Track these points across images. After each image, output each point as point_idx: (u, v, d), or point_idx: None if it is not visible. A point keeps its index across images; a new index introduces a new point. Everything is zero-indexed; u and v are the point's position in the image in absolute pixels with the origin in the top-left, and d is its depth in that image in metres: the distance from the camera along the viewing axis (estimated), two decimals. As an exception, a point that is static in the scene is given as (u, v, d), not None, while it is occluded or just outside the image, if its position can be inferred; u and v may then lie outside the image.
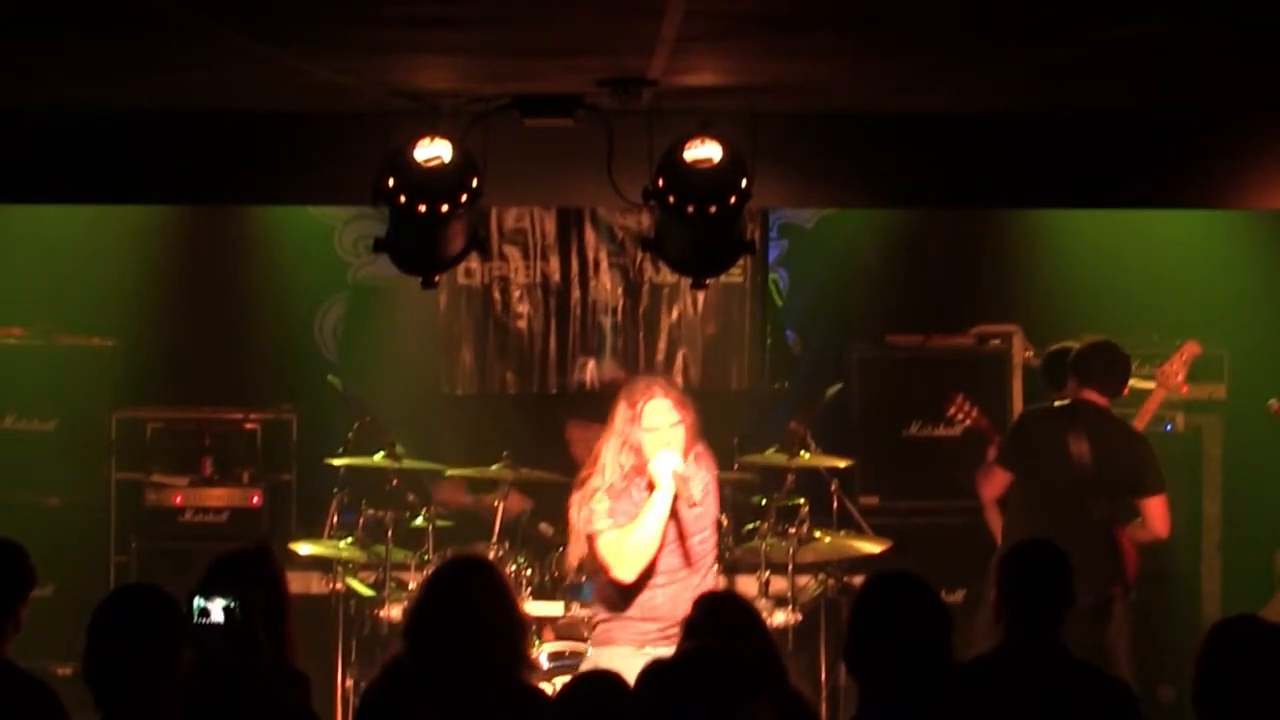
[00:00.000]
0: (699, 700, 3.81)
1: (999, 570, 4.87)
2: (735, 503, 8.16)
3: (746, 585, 7.71)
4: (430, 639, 4.64)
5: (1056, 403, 7.76)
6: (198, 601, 4.27)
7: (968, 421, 8.23)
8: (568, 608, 7.55)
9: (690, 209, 5.98)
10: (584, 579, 7.66)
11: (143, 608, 4.17)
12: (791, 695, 4.77)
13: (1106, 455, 7.49)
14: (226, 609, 4.27)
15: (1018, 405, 8.55)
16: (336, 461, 8.03)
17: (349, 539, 7.85)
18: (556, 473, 8.29)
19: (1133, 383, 8.64)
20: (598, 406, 9.11)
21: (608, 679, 4.27)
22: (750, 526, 7.89)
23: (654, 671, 3.97)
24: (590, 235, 9.22)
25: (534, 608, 7.37)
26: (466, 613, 4.61)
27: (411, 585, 7.51)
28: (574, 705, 4.17)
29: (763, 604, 7.31)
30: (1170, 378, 7.88)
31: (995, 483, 7.73)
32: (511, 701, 4.58)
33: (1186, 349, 7.93)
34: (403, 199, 5.98)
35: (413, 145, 5.98)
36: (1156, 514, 7.51)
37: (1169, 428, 8.63)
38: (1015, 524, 7.44)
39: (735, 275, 9.11)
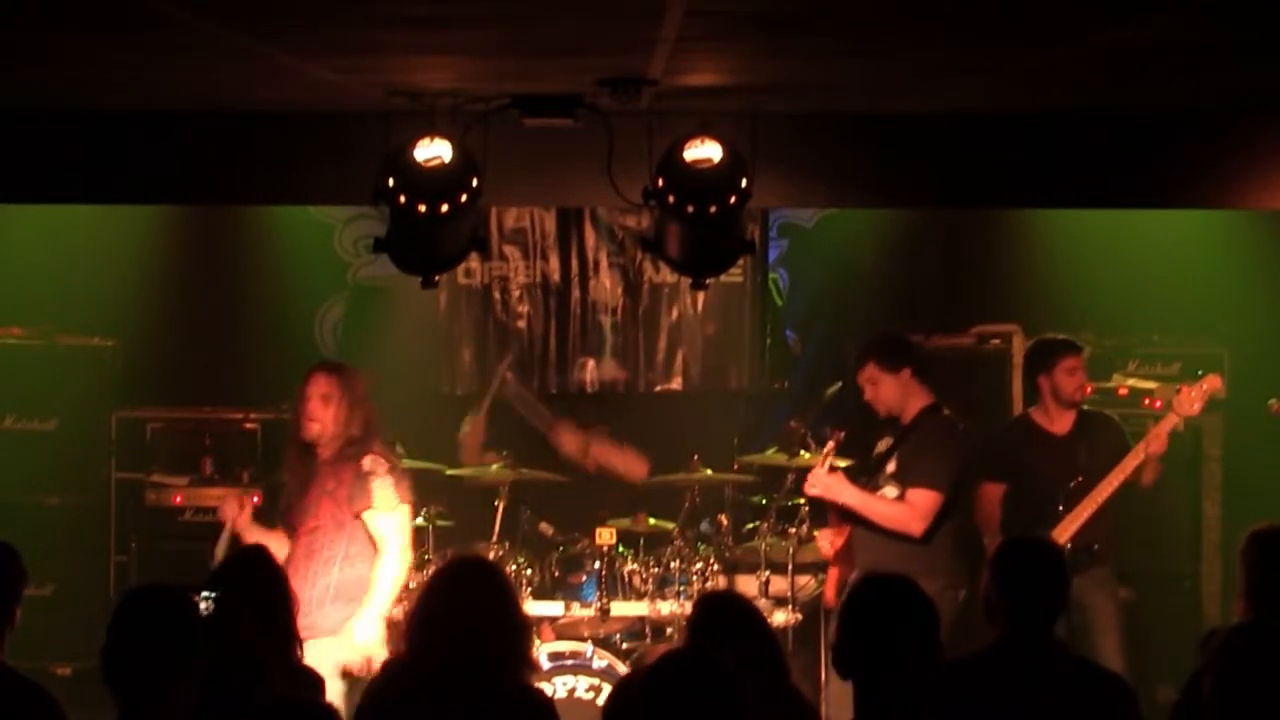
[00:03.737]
0: (693, 701, 3.80)
1: (994, 567, 4.87)
2: (735, 503, 8.16)
3: (746, 585, 7.70)
4: (431, 639, 4.64)
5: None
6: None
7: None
8: (568, 608, 7.55)
9: (690, 209, 5.98)
10: (584, 578, 7.67)
11: (160, 608, 4.18)
12: (791, 695, 4.78)
13: None
14: (210, 600, 4.29)
15: (1018, 405, 8.53)
16: (336, 461, 8.01)
17: (349, 539, 7.83)
18: (557, 472, 8.29)
19: (1131, 383, 8.61)
20: (597, 407, 9.16)
21: (707, 658, 3.97)
22: (750, 526, 7.89)
23: (651, 672, 3.96)
24: (590, 235, 9.22)
25: (534, 608, 7.37)
26: (467, 613, 4.61)
27: (412, 585, 7.50)
28: (669, 688, 3.97)
29: (763, 604, 7.31)
30: (1187, 406, 7.64)
31: None
32: (512, 702, 4.58)
33: (1209, 381, 7.56)
34: (403, 199, 5.98)
35: (413, 145, 5.98)
36: None
37: (1169, 427, 8.61)
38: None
39: (735, 275, 9.11)
